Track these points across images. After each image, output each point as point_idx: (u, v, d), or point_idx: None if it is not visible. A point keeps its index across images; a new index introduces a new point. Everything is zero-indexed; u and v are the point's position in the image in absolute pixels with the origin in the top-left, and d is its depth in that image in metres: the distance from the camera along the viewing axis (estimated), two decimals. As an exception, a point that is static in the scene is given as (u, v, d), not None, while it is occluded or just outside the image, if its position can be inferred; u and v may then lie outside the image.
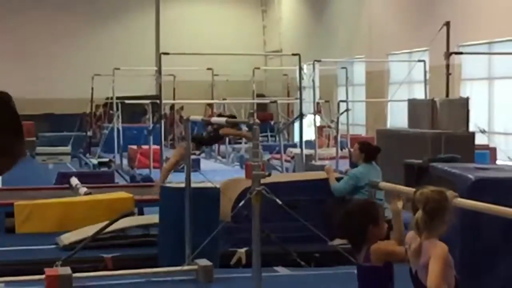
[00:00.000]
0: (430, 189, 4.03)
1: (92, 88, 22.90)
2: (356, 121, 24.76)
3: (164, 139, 26.01)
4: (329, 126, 20.53)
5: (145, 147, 19.05)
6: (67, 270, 7.40)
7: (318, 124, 18.62)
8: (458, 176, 6.40)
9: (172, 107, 26.68)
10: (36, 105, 30.68)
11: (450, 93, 14.05)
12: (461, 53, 16.49)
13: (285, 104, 27.49)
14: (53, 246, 9.38)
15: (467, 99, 12.50)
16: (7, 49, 32.02)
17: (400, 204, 4.43)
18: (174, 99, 23.71)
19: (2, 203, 10.78)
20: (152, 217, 9.77)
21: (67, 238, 9.35)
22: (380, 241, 4.31)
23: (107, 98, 23.79)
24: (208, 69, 22.47)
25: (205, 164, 19.37)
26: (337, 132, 16.50)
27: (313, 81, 17.54)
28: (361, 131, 24.34)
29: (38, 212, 10.50)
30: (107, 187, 12.64)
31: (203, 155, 22.77)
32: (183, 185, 7.97)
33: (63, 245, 9.12)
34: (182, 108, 27.12)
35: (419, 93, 18.82)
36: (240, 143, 22.53)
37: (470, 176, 6.31)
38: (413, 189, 4.28)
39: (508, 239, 6.16)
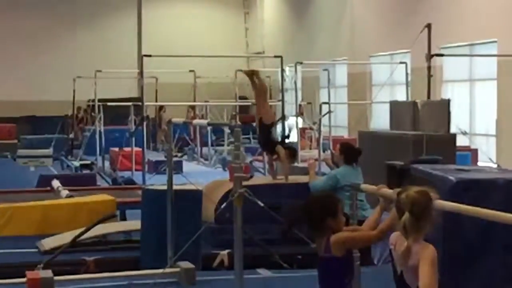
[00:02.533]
0: (414, 190, 4.03)
1: (74, 91, 22.82)
2: (338, 123, 24.83)
3: (152, 142, 26.09)
4: (311, 128, 20.58)
5: (127, 149, 19.00)
6: (48, 273, 7.36)
7: (300, 126, 18.63)
8: (440, 178, 6.41)
9: (160, 109, 26.60)
10: (18, 107, 30.56)
11: (431, 95, 14.10)
12: (442, 55, 16.55)
13: (267, 106, 27.44)
14: (34, 249, 9.32)
15: (448, 101, 12.54)
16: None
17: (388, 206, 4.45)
18: (156, 101, 23.65)
19: (-17, 206, 10.69)
20: (133, 222, 9.73)
21: (48, 243, 9.28)
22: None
23: (89, 101, 23.75)
24: (190, 71, 22.44)
25: (187, 166, 19.35)
26: (320, 134, 16.52)
27: (295, 83, 17.57)
28: (344, 133, 24.41)
29: (19, 215, 10.43)
30: (89, 189, 12.61)
31: (185, 157, 22.73)
32: (165, 187, 7.96)
33: (44, 250, 9.05)
34: (164, 110, 27.02)
35: (401, 95, 18.88)
36: (223, 145, 22.52)
37: (451, 177, 6.34)
38: (395, 191, 4.29)
39: (489, 240, 6.19)
